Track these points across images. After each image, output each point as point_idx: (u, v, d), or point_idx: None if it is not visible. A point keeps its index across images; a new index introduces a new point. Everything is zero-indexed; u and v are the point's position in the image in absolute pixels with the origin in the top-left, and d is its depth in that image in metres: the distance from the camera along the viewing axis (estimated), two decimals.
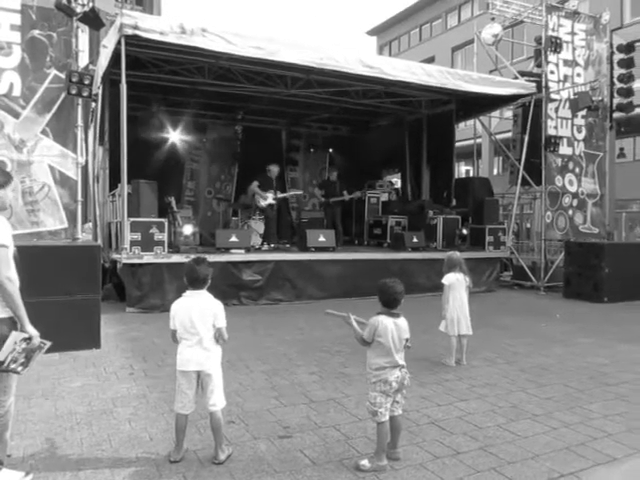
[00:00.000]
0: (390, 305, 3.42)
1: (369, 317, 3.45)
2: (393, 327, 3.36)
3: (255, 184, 11.11)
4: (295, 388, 4.83)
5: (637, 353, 6.39)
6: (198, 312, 3.36)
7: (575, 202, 12.68)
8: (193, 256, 3.67)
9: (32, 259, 5.78)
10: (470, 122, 16.51)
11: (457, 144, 14.38)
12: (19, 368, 2.98)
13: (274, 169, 11.39)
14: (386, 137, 15.43)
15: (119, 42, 7.93)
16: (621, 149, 24.58)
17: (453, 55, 34.19)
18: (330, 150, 16.32)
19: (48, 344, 3.09)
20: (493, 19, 13.43)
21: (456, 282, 5.73)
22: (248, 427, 3.92)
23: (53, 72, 8.06)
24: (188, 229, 9.77)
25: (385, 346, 3.33)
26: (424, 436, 3.82)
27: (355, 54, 9.61)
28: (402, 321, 3.43)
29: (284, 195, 11.37)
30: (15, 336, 2.93)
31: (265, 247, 10.84)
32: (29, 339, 2.97)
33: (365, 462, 3.31)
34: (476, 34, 13.72)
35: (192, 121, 14.17)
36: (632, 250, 11.56)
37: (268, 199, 11.01)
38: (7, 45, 7.75)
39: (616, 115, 12.96)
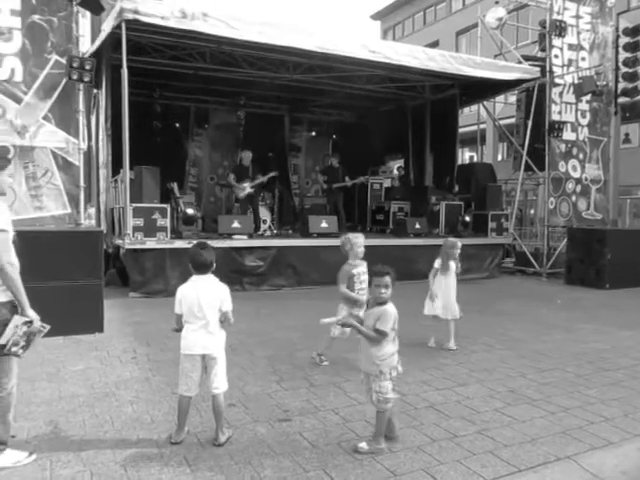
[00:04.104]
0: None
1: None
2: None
3: (231, 177, 10.82)
4: (296, 372, 4.88)
5: (636, 339, 6.42)
6: (206, 296, 3.38)
7: (579, 188, 12.62)
8: (195, 242, 3.69)
9: (36, 244, 5.83)
10: (474, 107, 16.41)
11: (461, 130, 14.32)
12: (20, 351, 3.05)
13: (246, 156, 10.88)
14: (389, 123, 15.33)
15: (119, 27, 7.90)
16: (626, 134, 24.38)
17: (457, 39, 33.82)
18: (333, 136, 16.26)
19: (47, 327, 3.15)
20: (497, 2, 13.29)
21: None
22: (248, 410, 3.97)
23: (54, 57, 8.05)
24: (190, 210, 9.82)
25: (395, 333, 3.39)
26: (422, 420, 3.86)
27: (358, 38, 9.56)
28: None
29: (261, 180, 10.77)
30: (17, 320, 2.99)
31: (268, 233, 10.84)
32: (30, 322, 3.03)
33: (363, 445, 3.35)
34: (480, 18, 13.57)
35: (195, 107, 14.15)
36: (634, 236, 11.52)
37: (246, 189, 10.62)
38: (8, 30, 7.75)
39: (621, 100, 12.84)
